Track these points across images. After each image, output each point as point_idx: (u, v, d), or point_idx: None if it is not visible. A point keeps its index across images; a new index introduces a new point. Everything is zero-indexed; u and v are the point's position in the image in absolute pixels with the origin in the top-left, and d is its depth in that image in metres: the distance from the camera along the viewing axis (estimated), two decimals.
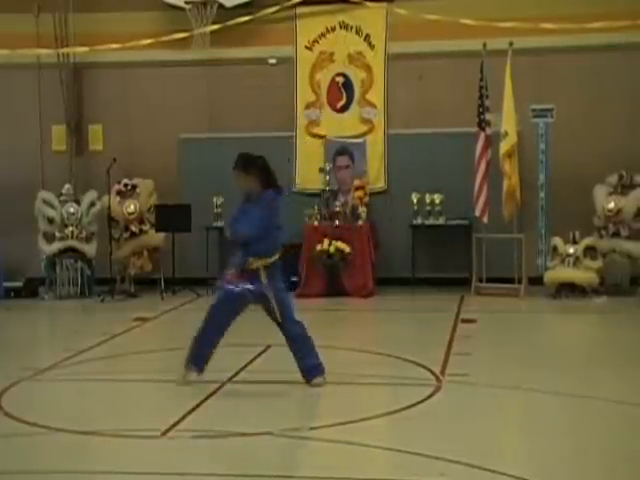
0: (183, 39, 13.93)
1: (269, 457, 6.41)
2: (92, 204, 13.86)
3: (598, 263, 12.85)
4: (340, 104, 14.24)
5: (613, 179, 13.11)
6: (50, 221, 13.76)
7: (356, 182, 13.81)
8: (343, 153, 14.05)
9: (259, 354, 9.40)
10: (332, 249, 13.21)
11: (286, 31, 14.20)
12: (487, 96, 12.97)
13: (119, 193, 13.91)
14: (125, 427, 7.05)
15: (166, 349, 10.35)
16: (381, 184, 14.10)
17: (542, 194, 13.83)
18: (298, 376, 8.65)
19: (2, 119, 14.63)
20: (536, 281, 13.12)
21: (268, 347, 9.70)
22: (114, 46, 13.96)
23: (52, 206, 13.76)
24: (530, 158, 13.67)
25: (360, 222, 13.47)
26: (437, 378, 8.38)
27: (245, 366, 8.83)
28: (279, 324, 8.19)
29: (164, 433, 6.83)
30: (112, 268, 13.57)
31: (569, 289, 12.83)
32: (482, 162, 13.00)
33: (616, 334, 10.78)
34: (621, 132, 13.44)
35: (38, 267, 13.94)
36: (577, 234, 12.85)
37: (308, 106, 14.28)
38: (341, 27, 14.17)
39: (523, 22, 12.98)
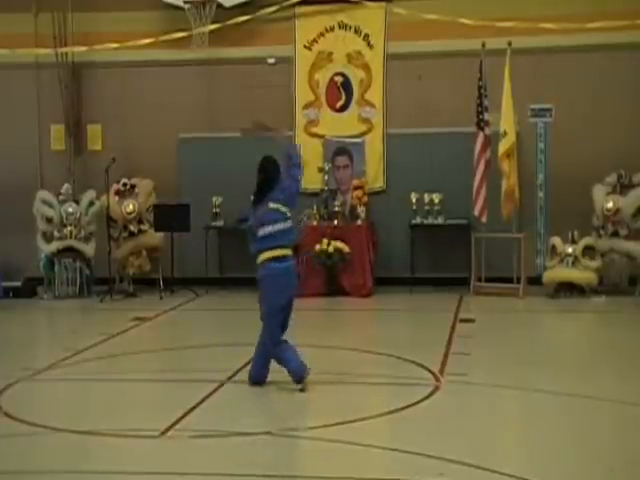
0: (182, 39, 13.91)
1: (269, 457, 6.42)
2: (91, 204, 13.85)
3: (597, 263, 12.85)
4: (339, 104, 14.23)
5: (612, 179, 13.11)
6: (49, 221, 13.74)
7: (355, 182, 13.81)
8: (342, 153, 14.06)
9: None
10: (331, 249, 13.21)
11: (285, 31, 14.19)
12: (486, 96, 12.96)
13: (118, 193, 13.89)
14: (124, 427, 7.05)
15: (165, 349, 10.36)
16: (380, 184, 14.09)
17: (541, 194, 13.84)
18: None
19: (1, 119, 14.61)
20: (535, 281, 13.12)
21: None
22: (113, 46, 13.95)
23: (51, 206, 13.75)
24: (529, 158, 13.66)
25: (359, 222, 13.48)
26: (436, 378, 8.38)
27: (244, 366, 8.82)
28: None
29: (163, 433, 6.84)
30: (111, 268, 13.54)
31: (568, 289, 12.84)
32: (481, 162, 13.00)
33: (615, 333, 10.78)
34: (620, 132, 13.44)
35: (37, 267, 13.92)
36: (576, 234, 12.85)
37: (307, 106, 14.27)
38: (340, 27, 14.16)
39: (522, 22, 12.97)
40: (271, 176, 8.06)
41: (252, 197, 8.16)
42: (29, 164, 14.61)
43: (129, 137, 14.39)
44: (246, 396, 8.00)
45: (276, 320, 8.05)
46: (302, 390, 7.96)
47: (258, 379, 8.19)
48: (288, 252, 8.02)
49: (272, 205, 7.96)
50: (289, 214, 8.03)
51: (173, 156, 14.33)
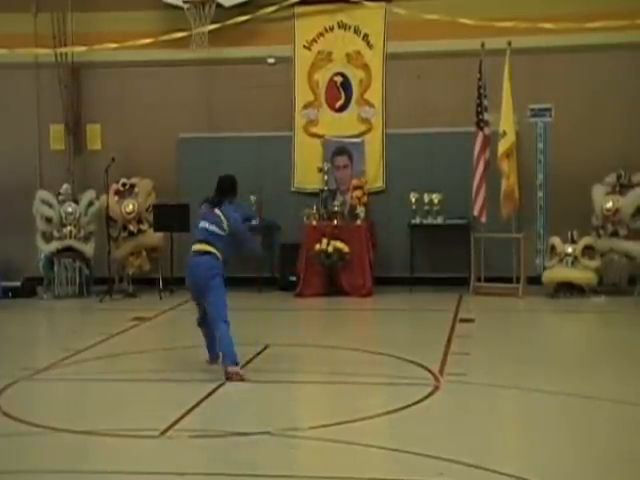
0: (182, 39, 13.91)
1: (268, 457, 6.41)
2: (90, 204, 13.84)
3: (596, 262, 12.85)
4: (338, 104, 14.23)
5: (611, 179, 13.11)
6: (48, 221, 13.74)
7: (354, 182, 13.81)
8: (342, 153, 14.06)
9: (258, 354, 9.41)
10: (331, 249, 13.20)
11: (284, 31, 14.19)
12: (485, 96, 12.97)
13: (117, 193, 13.89)
14: (124, 427, 7.05)
15: (164, 349, 10.35)
16: (379, 184, 14.09)
17: (540, 194, 13.83)
18: (297, 376, 8.68)
19: (0, 119, 14.61)
20: (535, 280, 13.12)
21: (266, 347, 9.71)
22: (112, 45, 13.94)
23: (50, 205, 13.74)
24: (528, 158, 13.66)
25: (358, 222, 13.47)
26: (436, 378, 8.38)
27: (243, 366, 8.82)
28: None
29: (163, 433, 6.83)
30: (110, 268, 13.54)
31: (567, 288, 12.83)
32: (480, 162, 13.00)
33: (614, 333, 10.78)
34: (619, 132, 13.43)
35: (36, 267, 13.92)
36: (575, 233, 12.85)
37: (306, 106, 14.27)
38: (339, 27, 14.16)
39: (521, 22, 12.97)
40: (224, 194, 8.88)
41: (204, 201, 8.94)
42: (28, 164, 14.61)
43: (129, 137, 14.38)
44: (246, 396, 7.99)
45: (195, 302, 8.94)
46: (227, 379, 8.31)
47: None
48: (207, 249, 8.60)
49: (217, 211, 8.72)
50: (226, 230, 8.64)
51: (173, 156, 14.33)
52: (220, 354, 8.57)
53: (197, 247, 8.68)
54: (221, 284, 8.60)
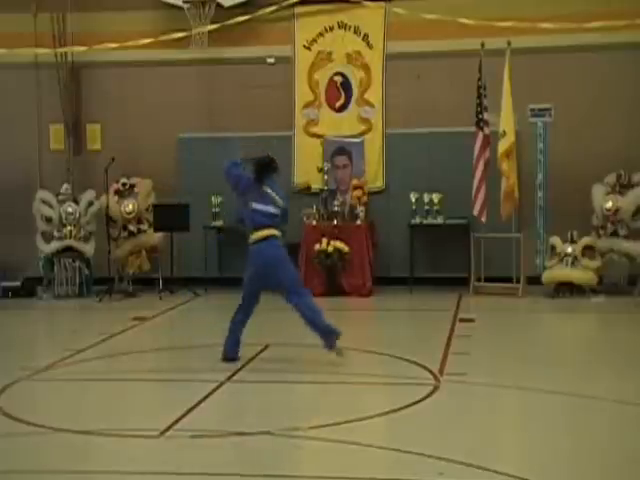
0: (181, 38, 13.91)
1: (268, 457, 6.40)
2: (90, 203, 13.85)
3: (596, 263, 12.85)
4: (338, 103, 14.23)
5: (611, 178, 13.11)
6: (48, 220, 13.74)
7: (354, 182, 13.81)
8: (341, 153, 14.07)
9: (258, 353, 9.40)
10: (331, 249, 13.21)
11: (284, 30, 14.19)
12: (485, 95, 12.97)
13: (117, 192, 13.89)
14: (123, 427, 7.05)
15: (164, 348, 10.36)
16: (379, 183, 14.09)
17: (540, 193, 13.84)
18: (297, 376, 8.67)
19: (0, 119, 14.60)
20: (534, 280, 13.12)
21: (267, 346, 9.71)
22: (112, 45, 13.93)
23: (50, 205, 13.75)
24: (528, 158, 13.66)
25: (358, 222, 13.47)
26: (436, 377, 8.38)
27: (244, 365, 8.83)
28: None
29: (163, 432, 6.83)
30: (110, 268, 13.55)
31: (567, 288, 12.84)
32: (480, 161, 13.00)
33: (614, 333, 10.79)
34: (619, 132, 13.44)
35: (36, 267, 13.93)
36: (575, 233, 12.85)
37: (306, 105, 14.27)
38: (339, 27, 14.16)
39: (521, 22, 12.97)
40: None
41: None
42: (28, 164, 14.60)
43: (128, 137, 14.38)
44: (246, 396, 7.99)
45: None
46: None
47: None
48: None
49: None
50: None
51: (173, 156, 14.33)
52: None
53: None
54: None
